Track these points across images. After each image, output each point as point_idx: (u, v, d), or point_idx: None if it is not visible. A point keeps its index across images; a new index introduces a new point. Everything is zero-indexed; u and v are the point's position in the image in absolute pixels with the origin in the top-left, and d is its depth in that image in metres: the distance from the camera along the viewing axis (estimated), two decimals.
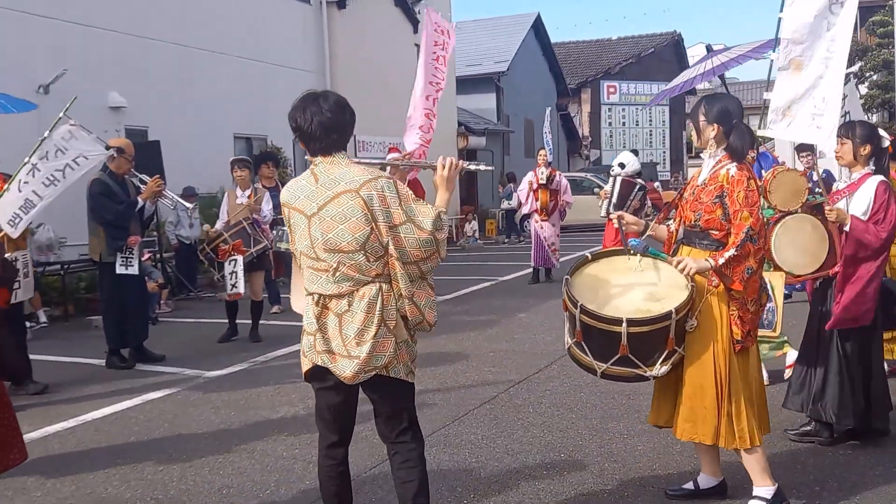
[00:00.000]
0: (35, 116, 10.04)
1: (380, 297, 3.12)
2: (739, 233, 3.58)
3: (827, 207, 4.57)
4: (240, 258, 8.18)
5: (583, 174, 24.80)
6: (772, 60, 5.25)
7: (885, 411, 4.73)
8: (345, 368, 3.14)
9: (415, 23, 20.80)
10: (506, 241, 21.70)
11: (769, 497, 3.74)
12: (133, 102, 12.96)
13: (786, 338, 5.97)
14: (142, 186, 7.32)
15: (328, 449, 3.37)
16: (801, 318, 5.40)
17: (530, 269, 12.78)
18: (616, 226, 4.08)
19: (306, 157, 3.29)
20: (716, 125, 3.76)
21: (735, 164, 3.73)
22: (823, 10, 4.96)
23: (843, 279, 4.53)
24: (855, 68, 11.61)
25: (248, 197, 8.60)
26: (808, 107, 4.96)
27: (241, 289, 8.27)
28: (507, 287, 12.49)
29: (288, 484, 4.45)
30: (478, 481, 4.37)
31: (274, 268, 9.16)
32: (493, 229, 23.36)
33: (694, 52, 37.79)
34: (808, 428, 4.87)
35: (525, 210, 13.04)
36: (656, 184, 23.30)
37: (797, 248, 4.65)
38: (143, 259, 7.78)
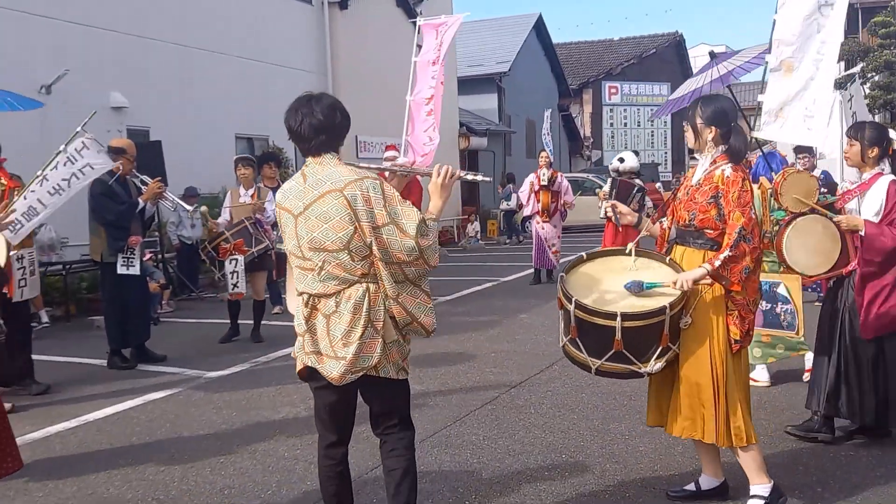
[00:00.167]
0: (37, 116, 10.08)
1: (366, 298, 3.13)
2: (732, 233, 3.60)
3: (836, 218, 4.58)
4: (241, 258, 8.18)
5: (584, 175, 24.82)
6: (766, 62, 5.27)
7: None
8: (332, 369, 3.16)
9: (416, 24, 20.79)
10: (507, 241, 21.72)
11: (766, 494, 3.75)
12: (134, 102, 12.97)
13: (804, 339, 5.91)
14: (143, 187, 7.33)
15: (327, 449, 3.37)
16: (809, 319, 5.41)
17: (532, 270, 12.78)
18: (609, 214, 4.09)
19: None
20: (713, 127, 3.79)
21: (731, 164, 3.77)
22: (813, 11, 4.98)
23: (861, 282, 4.51)
24: (857, 69, 11.60)
25: (252, 196, 8.60)
26: (799, 108, 4.99)
27: (241, 289, 8.27)
28: (509, 288, 12.49)
29: (289, 484, 4.45)
30: (479, 482, 4.37)
31: (276, 268, 9.16)
32: (494, 230, 23.37)
33: (695, 53, 37.77)
34: (811, 424, 4.88)
35: (526, 211, 13.05)
36: (658, 184, 23.28)
37: (809, 248, 4.66)
38: (143, 259, 7.78)
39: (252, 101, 15.52)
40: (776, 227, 5.09)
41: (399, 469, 3.31)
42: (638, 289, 3.72)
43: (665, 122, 35.26)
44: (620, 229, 9.52)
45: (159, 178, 7.57)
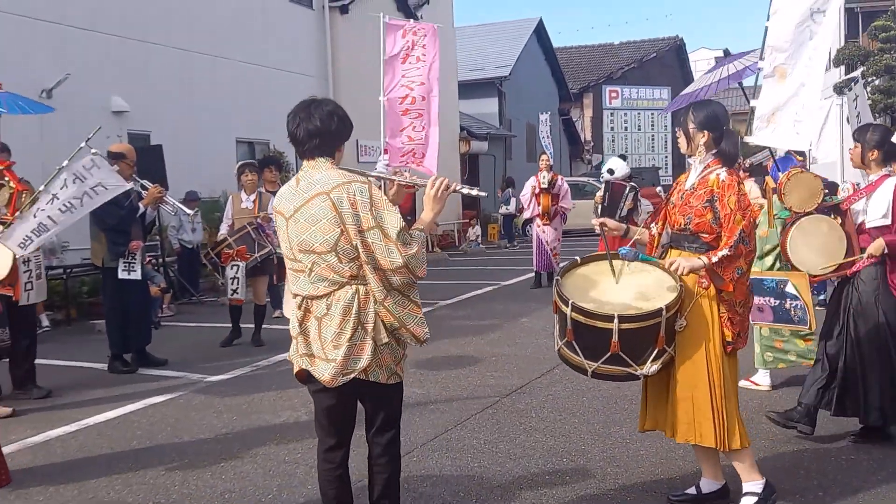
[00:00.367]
0: (38, 120, 10.11)
1: (356, 300, 3.15)
2: (733, 235, 3.65)
3: (860, 257, 4.63)
4: (242, 264, 8.20)
5: (585, 178, 24.82)
6: (759, 68, 5.31)
7: None
8: (323, 371, 3.19)
9: None
10: (508, 245, 21.74)
11: (760, 491, 3.80)
12: (135, 106, 12.98)
13: (814, 348, 5.88)
14: (143, 192, 7.34)
15: (326, 452, 3.38)
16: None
17: (532, 274, 12.78)
18: (598, 232, 4.13)
19: None
20: (706, 132, 3.84)
21: (724, 168, 3.81)
22: (805, 17, 5.02)
23: None
24: (857, 73, 11.62)
25: (253, 202, 8.60)
26: (790, 114, 5.03)
27: (241, 295, 8.29)
28: (510, 291, 12.48)
29: (290, 488, 4.45)
30: (480, 486, 4.37)
31: (277, 272, 9.16)
32: (495, 234, 23.39)
33: (696, 57, 37.84)
34: (792, 413, 4.92)
35: (527, 215, 13.07)
36: (658, 188, 23.31)
37: (813, 248, 4.69)
38: (143, 264, 7.77)
39: (253, 105, 15.54)
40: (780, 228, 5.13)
41: (384, 473, 3.37)
42: (633, 257, 3.77)
43: (665, 126, 35.29)
44: (611, 241, 9.57)
45: (159, 182, 7.58)
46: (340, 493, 3.38)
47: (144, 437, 5.51)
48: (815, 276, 4.94)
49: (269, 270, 8.78)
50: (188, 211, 8.58)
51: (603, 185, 11.53)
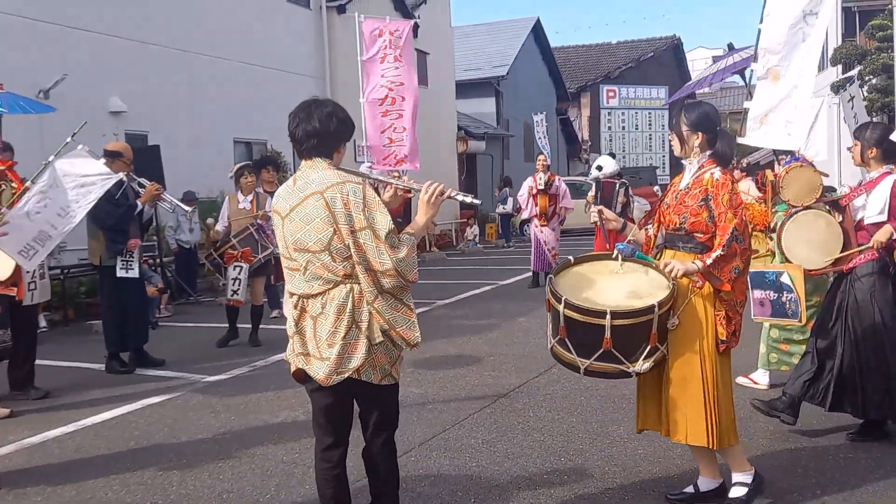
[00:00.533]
0: (36, 121, 10.08)
1: (350, 299, 3.16)
2: (725, 234, 3.66)
3: (861, 247, 4.65)
4: (246, 266, 8.20)
5: (582, 178, 24.84)
6: (752, 70, 5.35)
7: None
8: (318, 370, 3.20)
9: (415, 28, 20.78)
10: (505, 245, 21.75)
11: (750, 481, 3.85)
12: (133, 107, 12.98)
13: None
14: (140, 190, 7.32)
15: (323, 451, 3.39)
16: None
17: (530, 274, 12.78)
18: (595, 219, 4.12)
19: None
20: (699, 133, 3.85)
21: (718, 168, 3.82)
22: (798, 20, 5.06)
23: None
24: (854, 72, 11.63)
25: (251, 202, 8.60)
26: (782, 115, 5.06)
27: (241, 297, 8.28)
28: (508, 291, 12.49)
29: (288, 488, 4.45)
30: (478, 486, 4.37)
31: (274, 272, 9.16)
32: (493, 233, 23.41)
33: (693, 56, 37.86)
34: (777, 403, 4.94)
35: (525, 215, 13.08)
36: (656, 188, 23.35)
37: (810, 243, 4.71)
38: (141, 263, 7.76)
39: (250, 106, 15.54)
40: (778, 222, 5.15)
41: (380, 473, 3.39)
42: (630, 253, 3.80)
43: (663, 126, 35.36)
44: (608, 235, 9.60)
45: (157, 181, 7.56)
46: (338, 492, 3.38)
47: (142, 437, 5.50)
48: (811, 271, 4.96)
49: (268, 271, 8.78)
50: (186, 208, 8.56)
51: (594, 184, 11.57)
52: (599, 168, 11.30)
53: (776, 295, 5.20)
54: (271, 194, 9.14)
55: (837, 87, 15.64)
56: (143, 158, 9.52)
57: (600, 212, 4.11)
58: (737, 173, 8.07)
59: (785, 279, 4.95)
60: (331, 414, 3.33)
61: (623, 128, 35.90)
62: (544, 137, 25.67)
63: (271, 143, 15.61)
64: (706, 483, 3.99)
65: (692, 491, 4.01)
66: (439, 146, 22.13)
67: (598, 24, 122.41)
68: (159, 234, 12.22)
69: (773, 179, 5.25)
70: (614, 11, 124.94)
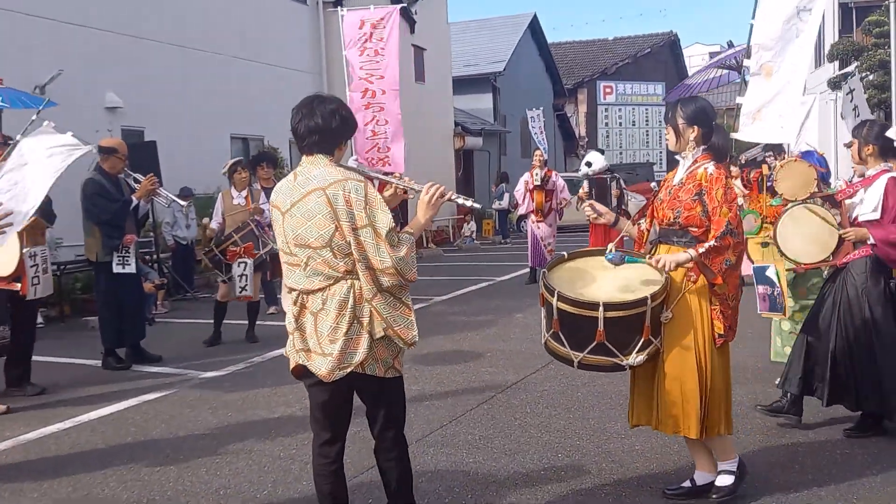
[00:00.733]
0: (32, 116, 10.03)
1: (351, 294, 3.16)
2: (720, 227, 3.69)
3: (844, 234, 4.68)
4: (250, 261, 8.18)
5: (577, 174, 24.87)
6: (746, 66, 5.36)
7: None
8: (320, 366, 3.20)
9: (412, 23, 20.80)
10: (502, 241, 21.76)
11: (735, 469, 3.90)
12: (129, 103, 12.94)
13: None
14: (135, 186, 7.30)
15: (321, 447, 3.38)
16: None
17: (527, 270, 12.78)
18: (588, 212, 4.12)
19: None
20: (695, 127, 3.88)
21: (712, 162, 3.85)
22: (792, 16, 5.07)
23: None
24: (851, 68, 11.64)
25: (245, 198, 8.59)
26: (775, 110, 5.07)
27: (250, 291, 8.24)
28: (505, 287, 12.49)
29: (285, 484, 4.44)
30: (475, 481, 4.37)
31: (271, 269, 9.14)
32: (490, 230, 23.42)
33: (690, 53, 37.87)
34: (780, 404, 4.97)
35: (521, 211, 13.08)
36: (653, 183, 23.29)
37: (805, 237, 4.72)
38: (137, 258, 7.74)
39: (247, 102, 15.51)
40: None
41: (394, 471, 3.38)
42: (620, 261, 3.79)
43: (660, 122, 35.32)
44: (602, 230, 9.64)
45: (152, 174, 7.52)
46: (335, 488, 3.38)
47: (139, 433, 5.50)
48: (805, 265, 4.97)
49: (264, 267, 8.77)
50: (182, 203, 8.55)
51: (586, 182, 11.59)
52: (589, 164, 11.30)
53: (771, 289, 5.21)
54: (267, 190, 9.15)
55: (835, 84, 15.65)
56: (139, 155, 9.49)
57: (592, 205, 4.11)
58: (734, 170, 8.10)
59: (771, 272, 4.96)
60: (329, 409, 3.33)
61: (620, 124, 35.92)
62: (541, 133, 25.66)
63: (268, 140, 15.57)
64: (703, 477, 4.00)
65: (689, 485, 4.02)
66: (436, 142, 22.13)
67: (594, 21, 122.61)
68: (156, 230, 12.20)
69: (759, 177, 5.26)
70: (611, 7, 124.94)
